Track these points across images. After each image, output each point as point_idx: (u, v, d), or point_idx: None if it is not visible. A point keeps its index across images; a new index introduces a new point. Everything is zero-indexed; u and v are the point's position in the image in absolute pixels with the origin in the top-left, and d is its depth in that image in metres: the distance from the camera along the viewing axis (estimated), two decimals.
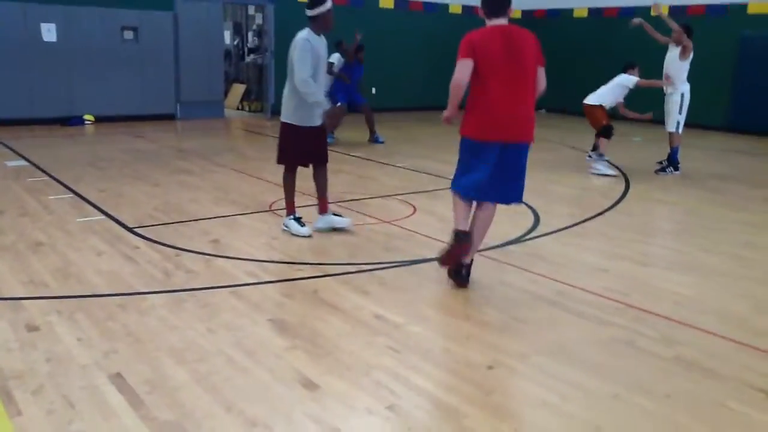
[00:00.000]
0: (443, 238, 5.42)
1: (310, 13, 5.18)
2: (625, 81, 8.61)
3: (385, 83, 15.33)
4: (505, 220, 6.18)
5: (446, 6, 16.26)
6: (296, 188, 5.55)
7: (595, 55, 15.36)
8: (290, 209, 5.53)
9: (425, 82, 16.09)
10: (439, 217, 6.19)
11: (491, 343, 3.57)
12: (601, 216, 6.46)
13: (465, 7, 16.37)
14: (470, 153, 4.24)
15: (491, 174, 4.16)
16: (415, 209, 6.43)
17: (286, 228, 5.51)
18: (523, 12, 16.91)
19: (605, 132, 8.57)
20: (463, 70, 4.07)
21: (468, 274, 4.42)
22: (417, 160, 9.25)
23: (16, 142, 9.70)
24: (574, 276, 4.68)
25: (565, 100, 16.22)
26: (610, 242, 5.61)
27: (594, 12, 15.85)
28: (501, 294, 4.34)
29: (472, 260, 4.46)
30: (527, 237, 5.64)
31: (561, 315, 4.00)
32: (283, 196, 5.57)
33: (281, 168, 5.53)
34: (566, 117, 15.33)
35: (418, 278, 4.57)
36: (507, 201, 4.36)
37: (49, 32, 11.71)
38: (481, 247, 5.16)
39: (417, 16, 15.90)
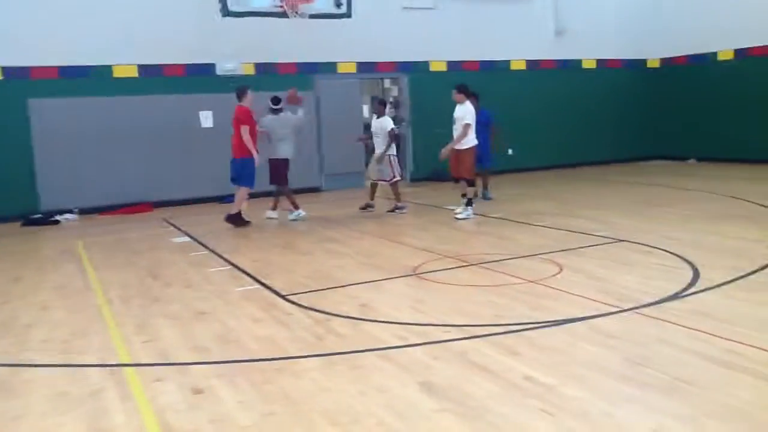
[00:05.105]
0: (595, 297, 5.22)
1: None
2: None
3: (521, 143, 15.24)
4: (659, 275, 5.84)
5: (579, 61, 16.06)
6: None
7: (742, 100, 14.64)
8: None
9: (561, 140, 15.86)
10: (588, 274, 5.96)
11: (654, 406, 3.34)
12: None
13: (599, 61, 16.09)
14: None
15: None
16: (561, 268, 6.23)
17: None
18: (662, 60, 16.38)
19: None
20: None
21: None
22: (557, 218, 9.02)
23: (179, 220, 10.57)
24: (746, 333, 4.28)
25: (713, 148, 15.50)
26: None
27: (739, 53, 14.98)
28: (661, 353, 4.06)
29: None
30: (687, 293, 5.28)
31: (733, 376, 3.68)
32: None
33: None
34: (719, 165, 14.54)
35: (570, 338, 4.39)
36: None
37: (206, 119, 12.82)
38: (636, 303, 4.94)
39: (550, 75, 15.82)
